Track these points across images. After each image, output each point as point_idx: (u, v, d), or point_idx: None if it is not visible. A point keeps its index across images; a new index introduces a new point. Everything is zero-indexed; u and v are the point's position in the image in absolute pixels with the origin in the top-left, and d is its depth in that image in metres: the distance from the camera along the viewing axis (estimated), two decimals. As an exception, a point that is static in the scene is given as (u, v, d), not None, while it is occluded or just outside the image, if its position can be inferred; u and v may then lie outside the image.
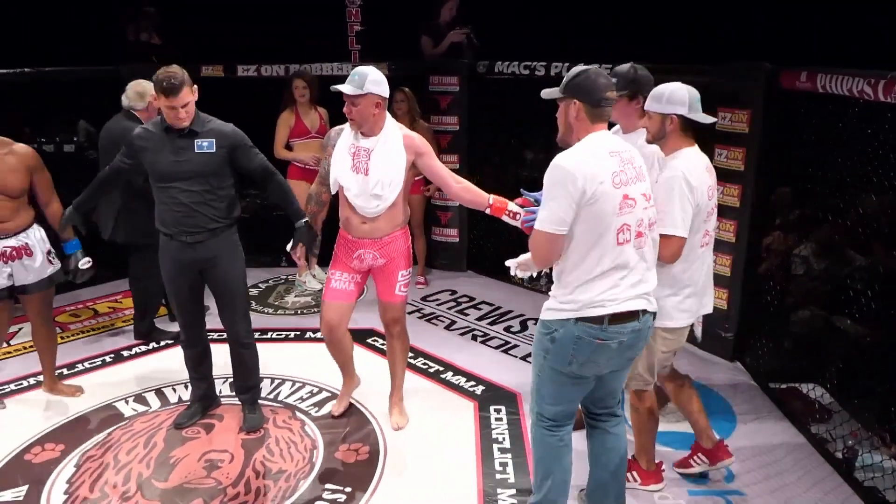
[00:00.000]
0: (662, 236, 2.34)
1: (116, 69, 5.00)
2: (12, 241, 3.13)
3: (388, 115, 2.90)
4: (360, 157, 2.85)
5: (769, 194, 3.85)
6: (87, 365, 3.82)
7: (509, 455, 3.01)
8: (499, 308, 4.61)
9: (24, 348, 3.93)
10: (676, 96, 2.44)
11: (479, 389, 3.57)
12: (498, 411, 3.35)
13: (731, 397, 3.47)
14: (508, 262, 2.54)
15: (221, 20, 5.86)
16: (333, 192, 2.98)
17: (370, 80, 2.78)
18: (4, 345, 4.11)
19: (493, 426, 3.23)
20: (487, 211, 2.86)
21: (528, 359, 3.87)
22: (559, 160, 2.12)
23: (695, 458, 2.85)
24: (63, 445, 3.11)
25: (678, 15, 4.97)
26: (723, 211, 3.69)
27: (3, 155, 3.06)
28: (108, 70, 5.04)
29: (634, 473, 2.78)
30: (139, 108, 3.79)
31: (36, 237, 3.21)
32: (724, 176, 3.68)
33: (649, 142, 2.52)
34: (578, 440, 2.49)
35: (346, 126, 2.93)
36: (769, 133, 3.57)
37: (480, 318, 4.45)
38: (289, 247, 3.00)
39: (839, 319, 3.58)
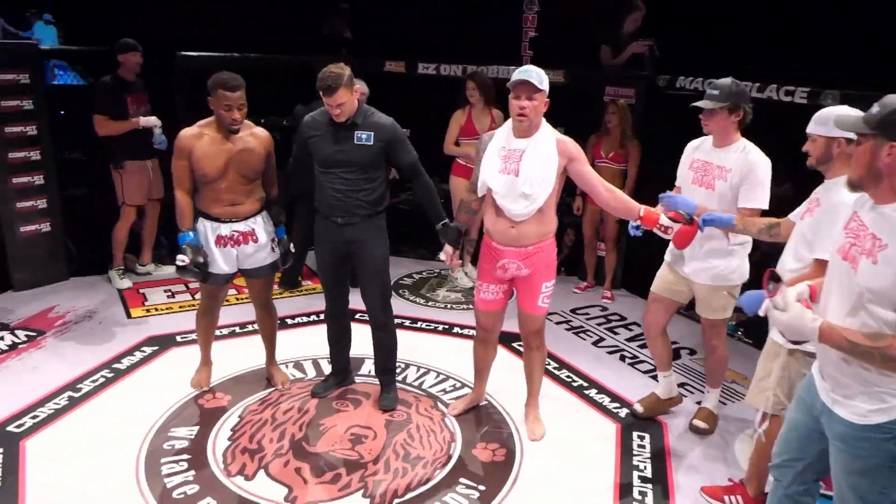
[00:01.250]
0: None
1: (309, 60, 5.39)
2: (240, 226, 3.15)
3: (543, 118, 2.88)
4: (511, 158, 2.83)
5: None
6: (254, 327, 4.13)
7: (650, 485, 2.89)
8: (650, 331, 4.43)
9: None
10: None
11: (623, 412, 3.45)
12: (642, 438, 3.23)
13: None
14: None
15: (407, 18, 6.13)
16: (480, 195, 2.97)
17: (545, 78, 2.78)
18: (189, 297, 4.60)
19: (635, 452, 3.12)
20: (637, 223, 2.84)
21: (678, 389, 3.71)
22: None
23: (732, 496, 2.78)
24: (230, 396, 3.42)
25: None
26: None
27: (245, 136, 3.08)
28: (301, 60, 5.45)
29: (738, 497, 2.75)
30: None
31: (262, 223, 3.22)
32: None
33: (812, 166, 2.45)
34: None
35: (498, 130, 2.94)
36: None
37: (631, 339, 4.31)
38: (440, 255, 3.09)
39: None
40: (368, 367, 3.70)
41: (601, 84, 5.03)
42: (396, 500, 2.73)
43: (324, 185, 3.11)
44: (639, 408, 3.40)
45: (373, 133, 3.02)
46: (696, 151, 3.06)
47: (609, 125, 4.68)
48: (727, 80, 2.86)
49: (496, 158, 2.87)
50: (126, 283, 4.74)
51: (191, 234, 3.08)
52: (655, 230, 2.82)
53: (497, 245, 2.94)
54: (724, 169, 2.90)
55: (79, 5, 5.37)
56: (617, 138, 4.68)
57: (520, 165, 2.81)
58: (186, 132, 3.07)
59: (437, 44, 5.80)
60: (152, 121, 4.52)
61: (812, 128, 2.42)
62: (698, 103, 2.90)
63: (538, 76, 2.73)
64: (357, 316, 3.55)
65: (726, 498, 2.79)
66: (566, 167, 2.86)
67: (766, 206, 2.85)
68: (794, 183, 4.16)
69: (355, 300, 3.42)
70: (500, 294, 3.06)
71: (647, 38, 5.03)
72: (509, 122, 2.88)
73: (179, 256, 3.02)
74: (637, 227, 2.83)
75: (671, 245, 3.13)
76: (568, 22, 5.51)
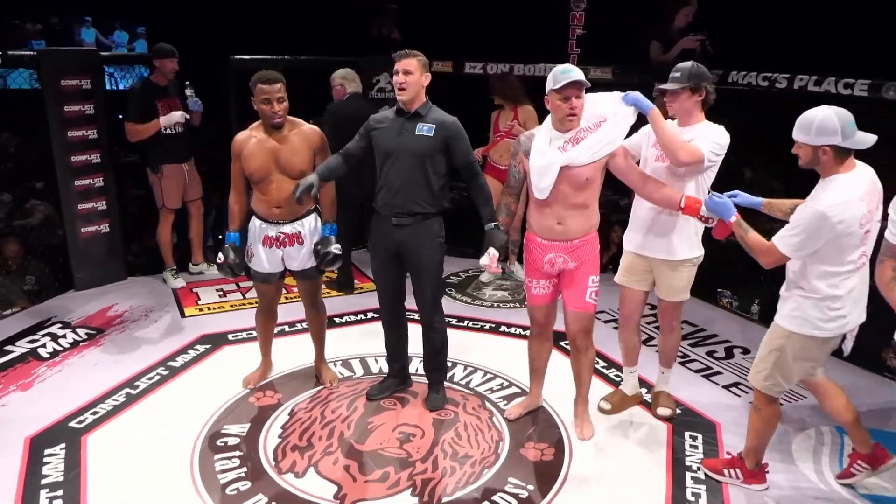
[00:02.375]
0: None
1: (357, 61, 5.46)
2: (287, 228, 3.22)
3: None
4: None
5: None
6: (304, 325, 4.18)
7: (703, 486, 2.83)
8: (702, 330, 4.34)
9: (251, 304, 4.41)
10: (827, 126, 2.32)
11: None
12: (694, 438, 3.16)
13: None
14: None
15: (453, 19, 6.14)
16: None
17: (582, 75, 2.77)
18: (240, 297, 4.70)
19: (687, 452, 3.05)
20: (679, 213, 2.87)
21: (731, 388, 3.63)
22: None
23: (731, 469, 2.85)
24: (280, 395, 3.47)
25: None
26: None
27: (290, 135, 3.14)
28: (350, 61, 5.51)
29: (738, 471, 2.82)
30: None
31: (310, 226, 3.27)
32: None
33: (803, 167, 2.44)
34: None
35: (538, 132, 2.93)
36: None
37: (682, 339, 4.20)
38: (482, 259, 3.00)
39: None
40: (416, 365, 3.71)
41: (651, 80, 4.92)
42: (445, 499, 2.74)
43: (381, 178, 3.13)
44: (605, 405, 3.37)
45: (434, 126, 3.05)
46: None
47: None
48: (688, 63, 2.92)
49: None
50: (180, 282, 4.87)
51: (234, 235, 3.26)
52: (697, 220, 2.83)
53: (542, 241, 2.95)
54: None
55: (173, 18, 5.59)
56: None
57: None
58: (239, 135, 3.21)
59: (483, 43, 5.80)
60: (187, 94, 4.63)
61: (796, 135, 2.41)
62: (662, 86, 2.96)
63: (581, 74, 2.76)
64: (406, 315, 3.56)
65: (726, 471, 2.86)
66: (608, 161, 2.86)
67: (706, 153, 2.84)
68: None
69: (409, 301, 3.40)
70: (550, 288, 3.07)
71: (699, 33, 4.91)
72: (547, 122, 2.89)
73: (220, 255, 3.23)
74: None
75: (627, 232, 3.20)
76: (615, 19, 5.43)
